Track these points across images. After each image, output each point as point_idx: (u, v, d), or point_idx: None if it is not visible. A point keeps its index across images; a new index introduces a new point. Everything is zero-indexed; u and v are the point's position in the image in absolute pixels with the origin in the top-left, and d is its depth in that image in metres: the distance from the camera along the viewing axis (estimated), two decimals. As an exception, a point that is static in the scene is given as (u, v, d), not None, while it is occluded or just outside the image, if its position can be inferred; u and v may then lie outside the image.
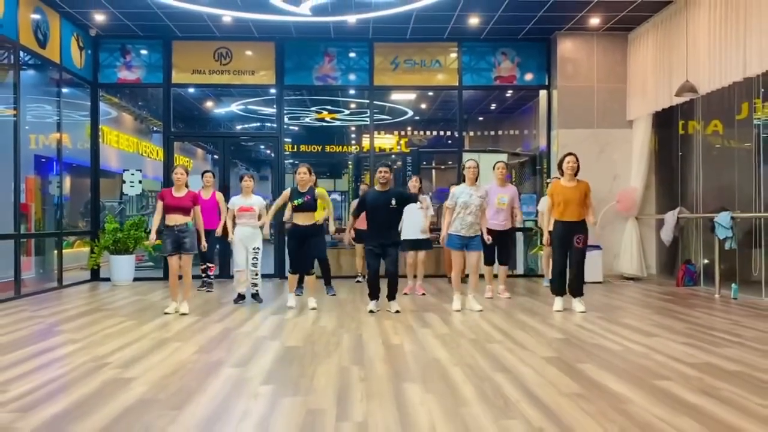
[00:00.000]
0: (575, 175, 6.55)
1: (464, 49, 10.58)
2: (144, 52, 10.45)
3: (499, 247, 7.68)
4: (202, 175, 8.51)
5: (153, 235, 6.75)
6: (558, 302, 6.63)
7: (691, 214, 9.03)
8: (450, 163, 14.26)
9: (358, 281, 9.53)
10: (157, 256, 10.33)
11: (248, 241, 7.22)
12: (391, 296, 6.66)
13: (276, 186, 10.55)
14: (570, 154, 6.61)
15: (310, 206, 6.77)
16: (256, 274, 7.31)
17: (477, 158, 10.35)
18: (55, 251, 9.31)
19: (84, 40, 9.91)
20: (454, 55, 10.61)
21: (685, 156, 9.53)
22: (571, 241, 6.44)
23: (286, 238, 6.97)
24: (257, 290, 7.37)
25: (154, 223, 6.80)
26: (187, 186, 6.65)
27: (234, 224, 7.32)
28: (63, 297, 8.17)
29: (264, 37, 10.30)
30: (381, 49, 10.55)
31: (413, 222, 7.89)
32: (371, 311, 6.55)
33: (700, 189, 8.96)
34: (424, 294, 8.05)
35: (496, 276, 7.93)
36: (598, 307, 6.82)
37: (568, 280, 6.61)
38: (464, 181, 6.85)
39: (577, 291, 6.60)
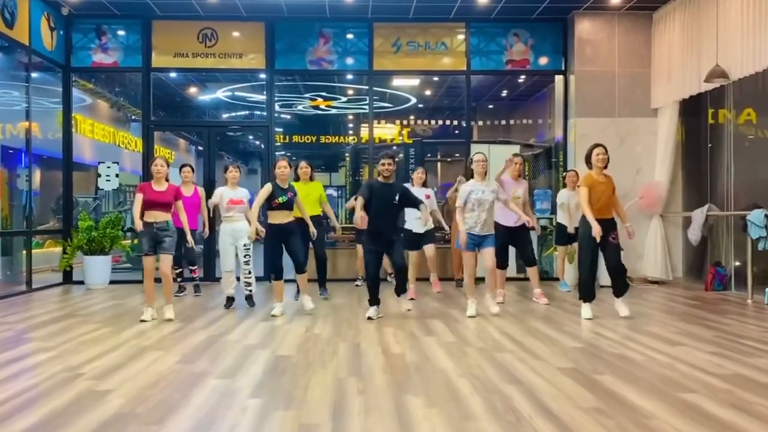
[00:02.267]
0: (605, 168, 6.54)
1: (472, 30, 10.57)
2: (121, 33, 10.45)
3: (517, 246, 7.69)
4: (180, 169, 8.44)
5: (139, 222, 6.46)
6: (587, 309, 6.58)
7: (721, 211, 9.04)
8: (457, 155, 14.29)
9: (357, 285, 9.55)
10: (135, 256, 10.35)
11: (237, 237, 7.22)
12: (401, 290, 6.68)
13: (266, 181, 10.54)
14: (598, 145, 6.58)
15: (291, 204, 6.85)
16: (249, 273, 7.32)
17: (487, 150, 10.41)
18: (24, 251, 9.33)
19: (55, 20, 9.92)
20: (461, 37, 10.61)
21: (714, 148, 9.54)
22: (604, 239, 6.40)
23: (267, 240, 6.94)
24: (251, 291, 7.39)
25: (136, 213, 6.53)
26: (167, 179, 6.65)
27: (211, 218, 7.38)
28: (32, 301, 8.19)
29: (253, 17, 10.30)
30: (381, 30, 10.55)
31: (413, 213, 7.92)
32: (370, 318, 6.56)
33: (731, 184, 8.97)
34: (439, 292, 8.16)
35: (508, 279, 7.95)
36: (619, 314, 6.82)
37: (612, 281, 6.58)
38: (472, 176, 6.85)
39: (623, 289, 6.56)
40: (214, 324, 6.37)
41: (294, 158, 15.80)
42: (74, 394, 3.85)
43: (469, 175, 7.02)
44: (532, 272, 7.90)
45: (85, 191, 12.04)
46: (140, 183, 7.01)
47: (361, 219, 6.43)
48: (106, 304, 7.82)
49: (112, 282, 9.78)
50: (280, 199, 6.75)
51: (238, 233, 7.23)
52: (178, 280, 8.50)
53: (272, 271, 6.98)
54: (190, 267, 8.52)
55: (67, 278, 10.09)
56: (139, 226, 6.57)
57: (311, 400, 3.74)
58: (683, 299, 8.18)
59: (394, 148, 13.72)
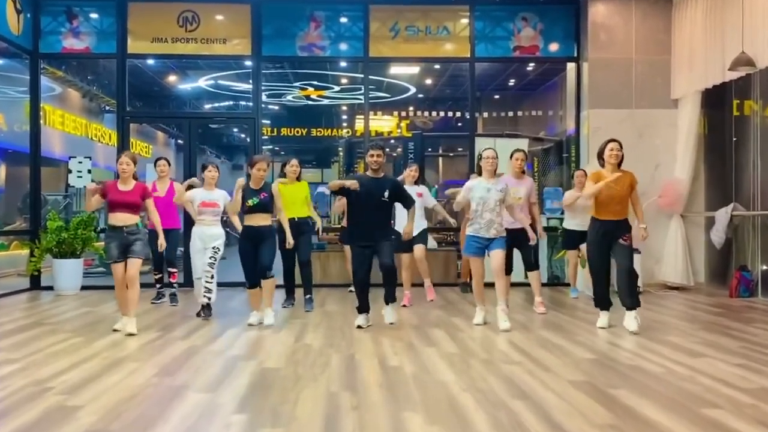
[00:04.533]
0: (619, 165, 6.53)
1: (477, 13, 10.57)
2: (94, 16, 10.42)
3: (519, 248, 7.70)
4: (155, 163, 8.43)
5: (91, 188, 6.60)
6: (603, 318, 6.55)
7: (747, 211, 9.06)
8: (460, 149, 14.32)
9: (351, 290, 9.54)
10: (105, 262, 10.33)
11: (208, 242, 7.17)
12: (390, 298, 6.63)
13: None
14: (613, 140, 6.54)
15: (266, 206, 6.80)
16: (212, 277, 7.13)
17: (492, 144, 10.42)
18: (-12, 254, 9.32)
19: (22, 2, 9.89)
20: (465, 21, 10.62)
21: (740, 142, 9.55)
22: (612, 241, 6.39)
23: (240, 243, 6.91)
24: (209, 300, 7.17)
25: (88, 193, 6.58)
26: (135, 178, 6.60)
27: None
28: (-3, 309, 8.17)
29: (238, -1, 10.31)
30: (378, 13, 10.55)
31: (405, 215, 7.93)
32: (359, 326, 6.54)
33: (758, 181, 8.98)
34: (432, 300, 8.09)
35: (512, 286, 7.95)
36: (627, 329, 6.82)
37: (618, 288, 6.51)
38: (480, 173, 6.83)
39: (631, 301, 6.37)
40: (194, 333, 6.36)
41: (282, 153, 15.87)
42: (42, 410, 3.84)
43: (477, 171, 6.98)
44: (533, 277, 7.87)
45: (54, 189, 12.01)
46: (106, 181, 6.85)
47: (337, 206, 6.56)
48: (78, 312, 7.81)
49: (84, 288, 9.74)
50: (250, 202, 6.68)
51: (209, 238, 7.15)
52: (157, 286, 8.48)
53: (246, 278, 6.89)
54: (170, 270, 8.49)
55: (35, 283, 10.05)
56: (90, 186, 6.58)
57: (301, 417, 3.74)
58: (706, 306, 8.19)
59: (392, 141, 13.75)
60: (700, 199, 10.08)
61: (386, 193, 6.52)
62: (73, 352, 5.45)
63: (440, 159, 16.24)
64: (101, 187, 6.53)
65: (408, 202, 6.73)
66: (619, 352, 5.46)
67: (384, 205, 6.57)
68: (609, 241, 6.42)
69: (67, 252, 9.53)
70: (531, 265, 7.84)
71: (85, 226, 9.67)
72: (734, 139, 9.66)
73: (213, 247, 7.17)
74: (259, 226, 6.76)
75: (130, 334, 6.21)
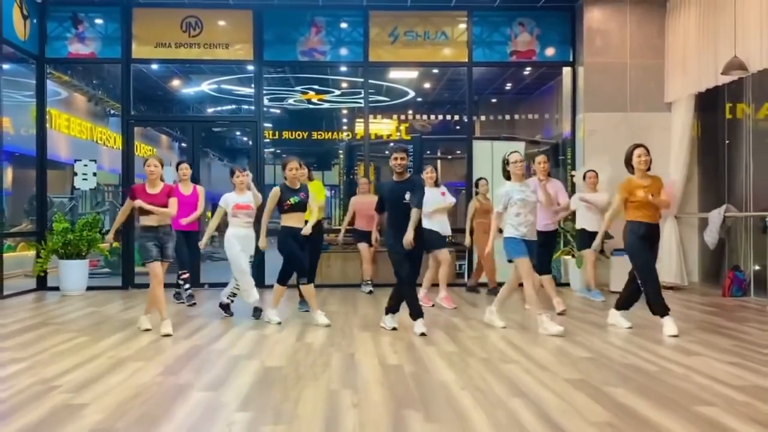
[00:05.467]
0: (648, 170, 6.42)
1: (475, 19, 10.59)
2: (99, 21, 10.43)
3: (545, 251, 7.68)
4: (177, 166, 8.46)
5: (111, 235, 6.94)
6: (670, 323, 6.19)
7: (739, 212, 9.06)
8: (458, 152, 14.32)
9: (369, 291, 9.43)
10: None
11: (246, 244, 7.19)
12: (393, 309, 6.51)
13: (254, 179, 10.51)
14: (639, 146, 6.37)
15: (305, 205, 6.85)
16: (237, 286, 7.27)
17: (490, 147, 10.45)
18: (-5, 255, 9.30)
19: (29, 8, 9.90)
20: (463, 26, 10.63)
21: (732, 144, 9.56)
22: (652, 244, 6.30)
23: (283, 241, 6.83)
24: (232, 301, 7.36)
25: (117, 220, 6.80)
26: (162, 179, 6.65)
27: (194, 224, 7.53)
28: (4, 309, 8.16)
29: (240, 5, 10.30)
30: (377, 19, 10.56)
31: (433, 203, 7.86)
32: (395, 329, 6.40)
33: (750, 183, 8.99)
34: (433, 306, 8.06)
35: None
36: (631, 322, 6.83)
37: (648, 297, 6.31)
38: (508, 178, 6.69)
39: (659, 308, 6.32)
40: (198, 332, 6.36)
41: (284, 156, 15.86)
42: (48, 408, 3.84)
43: (505, 176, 6.81)
44: (550, 282, 7.76)
45: (60, 191, 12.02)
46: (133, 185, 6.95)
47: (375, 237, 6.76)
48: (83, 312, 7.80)
49: (89, 288, 9.75)
50: (292, 200, 6.72)
51: (244, 240, 7.17)
52: (180, 282, 8.42)
53: (300, 275, 6.77)
54: (181, 270, 8.47)
55: (41, 284, 10.06)
56: (109, 238, 7.08)
57: (302, 415, 3.73)
58: (699, 306, 8.19)
59: (391, 144, 13.71)
60: (694, 201, 10.10)
61: (406, 195, 6.29)
62: (78, 352, 5.45)
63: (439, 162, 16.25)
64: (128, 195, 6.65)
65: (414, 199, 6.26)
66: (615, 351, 5.46)
67: (408, 208, 6.28)
68: (650, 244, 6.28)
69: (72, 253, 9.53)
70: (548, 268, 7.84)
71: (90, 227, 9.67)
72: (727, 141, 9.67)
73: (251, 257, 7.30)
74: (299, 227, 6.79)
75: (167, 335, 6.17)
